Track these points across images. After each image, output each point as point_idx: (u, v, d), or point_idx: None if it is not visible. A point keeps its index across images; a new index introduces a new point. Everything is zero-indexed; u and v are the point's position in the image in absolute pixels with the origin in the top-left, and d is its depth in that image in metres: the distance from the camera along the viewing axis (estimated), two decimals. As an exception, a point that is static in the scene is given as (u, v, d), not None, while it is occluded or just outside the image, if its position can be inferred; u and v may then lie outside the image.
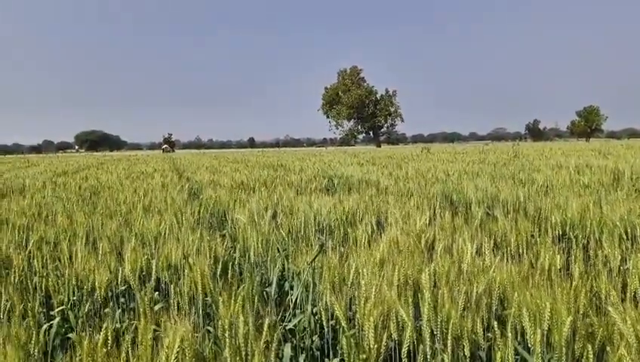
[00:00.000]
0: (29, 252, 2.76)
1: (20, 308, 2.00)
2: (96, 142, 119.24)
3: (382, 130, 76.53)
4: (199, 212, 4.03)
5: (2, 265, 2.63)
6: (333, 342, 1.81)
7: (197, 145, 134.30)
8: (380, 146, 65.20)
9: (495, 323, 1.35)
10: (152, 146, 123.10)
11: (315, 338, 1.81)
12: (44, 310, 2.41)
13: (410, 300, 1.52)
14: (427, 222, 2.97)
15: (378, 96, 75.56)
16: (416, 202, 3.83)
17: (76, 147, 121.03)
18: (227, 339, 1.18)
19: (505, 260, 2.19)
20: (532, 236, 2.76)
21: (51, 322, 2.19)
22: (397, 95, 75.66)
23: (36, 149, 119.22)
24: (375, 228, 3.02)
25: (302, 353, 1.76)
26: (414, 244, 2.41)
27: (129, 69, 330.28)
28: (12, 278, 2.49)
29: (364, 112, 74.04)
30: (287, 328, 1.92)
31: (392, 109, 74.79)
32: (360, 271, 1.69)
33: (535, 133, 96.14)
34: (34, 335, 1.63)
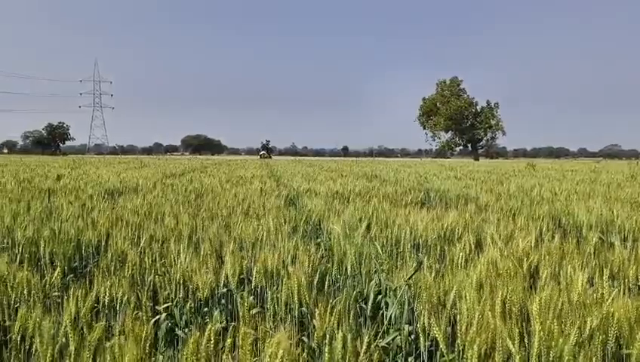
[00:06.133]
0: (141, 249, 2.96)
1: (133, 301, 2.16)
2: (200, 145, 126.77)
3: (481, 143, 73.80)
4: (295, 219, 4.12)
5: (118, 259, 2.85)
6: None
7: (292, 152, 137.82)
8: (477, 160, 62.84)
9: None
10: (250, 151, 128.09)
11: (411, 359, 1.76)
12: (151, 304, 2.57)
13: (516, 330, 1.43)
14: (532, 244, 2.80)
15: (479, 108, 73.01)
16: (520, 222, 3.62)
17: (181, 150, 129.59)
18: (326, 354, 1.18)
19: (621, 293, 2.00)
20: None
21: (158, 317, 2.34)
22: (499, 107, 72.63)
23: (147, 151, 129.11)
24: (473, 247, 2.90)
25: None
26: (515, 268, 2.27)
27: (229, 74, 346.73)
28: (126, 272, 2.69)
29: (462, 124, 71.87)
30: (380, 345, 1.89)
31: (493, 122, 71.86)
32: (461, 293, 1.62)
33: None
34: (145, 328, 1.74)
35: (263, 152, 76.99)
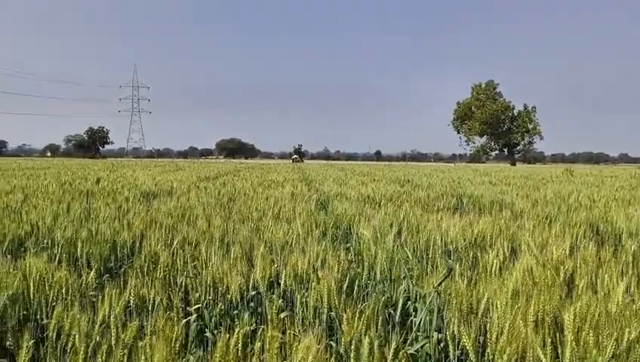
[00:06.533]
0: (174, 250, 3.02)
1: (164, 302, 2.20)
2: (234, 149, 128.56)
3: (517, 147, 72.19)
4: (325, 223, 4.12)
5: (151, 260, 2.91)
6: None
7: (325, 156, 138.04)
8: (514, 165, 61.51)
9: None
10: (283, 155, 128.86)
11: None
12: (182, 305, 2.62)
13: (549, 340, 1.39)
14: (567, 252, 2.72)
15: (515, 112, 71.46)
16: (556, 230, 3.52)
17: (216, 154, 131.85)
18: (352, 361, 1.17)
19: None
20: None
21: (189, 318, 2.37)
22: (537, 111, 70.90)
23: (183, 154, 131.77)
24: (508, 254, 2.83)
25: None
26: (551, 277, 2.21)
27: (262, 79, 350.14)
28: (158, 273, 2.75)
29: (498, 129, 70.47)
30: (408, 352, 1.87)
31: (531, 126, 70.18)
32: (492, 301, 1.59)
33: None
34: (176, 329, 1.77)
35: (295, 156, 77.94)
